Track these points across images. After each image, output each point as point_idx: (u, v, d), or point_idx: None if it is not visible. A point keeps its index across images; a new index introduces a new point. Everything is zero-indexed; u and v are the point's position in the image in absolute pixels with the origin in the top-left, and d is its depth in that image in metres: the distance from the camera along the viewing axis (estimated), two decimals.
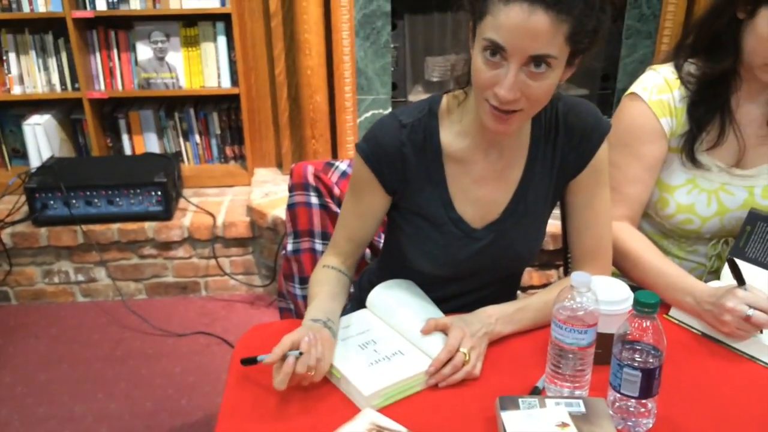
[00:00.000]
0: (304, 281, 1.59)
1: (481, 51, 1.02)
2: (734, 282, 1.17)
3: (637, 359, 0.95)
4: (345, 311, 1.24)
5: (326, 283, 1.24)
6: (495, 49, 1.00)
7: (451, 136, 1.20)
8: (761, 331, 1.15)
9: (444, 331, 1.13)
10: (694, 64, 1.36)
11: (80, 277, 2.75)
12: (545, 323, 1.19)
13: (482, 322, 1.14)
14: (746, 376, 1.10)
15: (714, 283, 1.25)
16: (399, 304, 1.22)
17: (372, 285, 1.32)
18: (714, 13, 1.32)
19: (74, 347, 2.48)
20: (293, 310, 1.65)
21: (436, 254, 1.24)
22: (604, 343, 1.04)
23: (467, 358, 1.07)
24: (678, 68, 1.37)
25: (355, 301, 1.45)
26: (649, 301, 0.93)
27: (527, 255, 1.29)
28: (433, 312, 1.21)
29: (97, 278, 2.76)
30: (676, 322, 1.24)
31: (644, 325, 0.94)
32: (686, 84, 1.36)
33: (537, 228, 1.27)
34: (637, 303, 0.94)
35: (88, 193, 2.62)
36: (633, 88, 1.40)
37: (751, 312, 1.12)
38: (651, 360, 0.94)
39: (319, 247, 1.56)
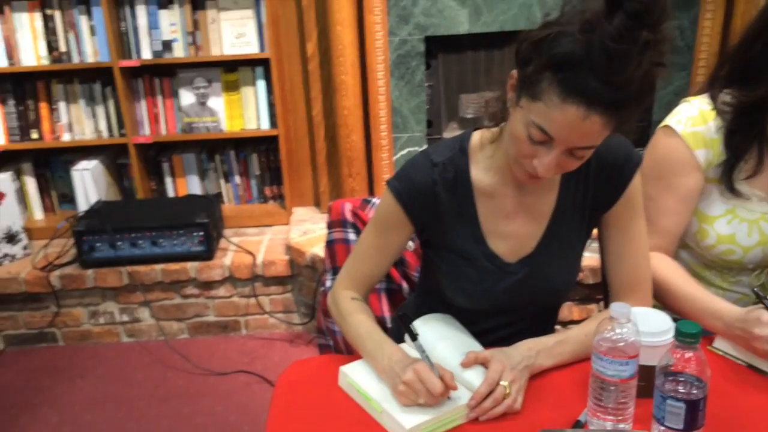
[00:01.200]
0: None
1: (526, 126, 1.02)
2: None
3: (680, 391, 0.93)
4: None
5: (369, 315, 1.25)
6: (541, 134, 1.01)
7: (481, 171, 1.21)
8: None
9: (484, 364, 1.13)
10: (729, 93, 1.36)
11: (125, 318, 2.81)
12: (585, 356, 1.18)
13: (522, 355, 1.14)
14: None
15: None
16: (438, 338, 1.22)
17: (410, 319, 1.32)
18: (747, 41, 1.32)
19: (118, 387, 2.52)
20: (332, 346, 1.66)
21: (471, 290, 1.25)
22: (646, 375, 1.02)
23: (508, 391, 1.07)
24: (713, 99, 1.37)
25: (393, 335, 1.45)
26: (691, 331, 0.92)
27: (563, 288, 1.29)
28: (472, 345, 1.21)
29: (141, 318, 2.81)
30: (721, 353, 1.21)
31: (687, 356, 0.93)
32: (722, 114, 1.35)
33: (572, 261, 1.27)
34: (679, 333, 0.93)
35: (133, 235, 2.69)
36: (667, 121, 1.39)
37: None
38: (695, 391, 0.93)
39: None
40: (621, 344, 0.97)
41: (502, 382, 1.07)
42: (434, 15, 2.72)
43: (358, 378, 1.14)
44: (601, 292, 2.46)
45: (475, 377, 1.11)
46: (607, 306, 1.67)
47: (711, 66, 2.70)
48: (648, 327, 1.05)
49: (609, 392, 0.99)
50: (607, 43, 0.91)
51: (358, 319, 1.23)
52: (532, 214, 1.23)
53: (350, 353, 1.57)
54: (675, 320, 1.08)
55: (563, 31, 0.96)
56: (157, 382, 2.53)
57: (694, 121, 1.36)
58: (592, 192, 1.22)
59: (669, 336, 1.06)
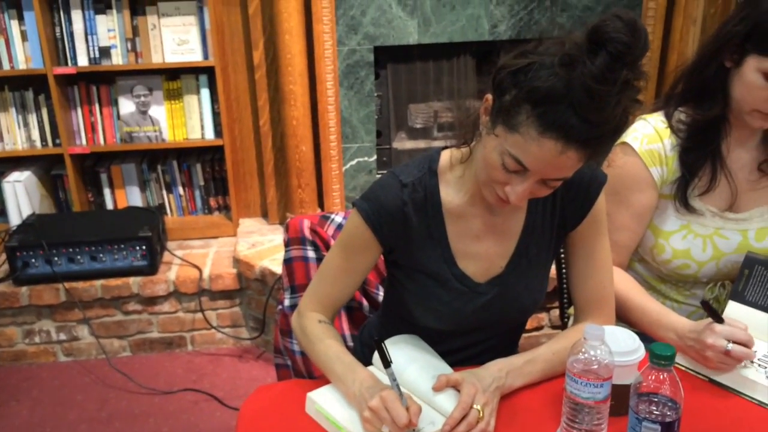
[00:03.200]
0: None
1: (500, 154, 1.02)
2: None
3: (654, 412, 0.94)
4: None
5: (338, 340, 1.22)
6: (515, 164, 1.01)
7: (451, 192, 1.21)
8: (751, 362, 1.17)
9: (455, 386, 1.11)
10: (684, 112, 1.39)
11: (62, 336, 2.68)
12: (554, 374, 1.19)
13: (493, 376, 1.13)
14: (760, 424, 1.10)
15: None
16: (407, 361, 1.20)
17: (377, 339, 1.30)
18: (702, 62, 1.36)
19: (57, 409, 2.40)
20: (290, 367, 1.62)
21: (441, 310, 1.23)
22: (617, 394, 1.03)
23: (481, 414, 1.06)
24: (668, 117, 1.40)
25: (356, 357, 1.42)
26: (666, 353, 0.92)
27: (531, 306, 1.29)
28: (442, 368, 1.20)
29: (80, 336, 2.69)
30: (683, 368, 1.23)
31: (661, 377, 0.94)
32: (677, 132, 1.39)
33: (540, 280, 1.27)
34: (653, 356, 0.93)
35: (70, 249, 2.57)
36: (625, 138, 1.42)
37: (730, 346, 1.14)
38: (669, 413, 0.94)
39: None
40: (595, 366, 0.97)
41: (475, 406, 1.06)
42: (383, 25, 2.71)
43: (326, 405, 1.11)
44: (552, 301, 2.50)
45: (447, 401, 1.09)
46: (562, 317, 1.70)
47: (652, 78, 2.79)
48: (617, 346, 1.06)
49: (583, 414, 0.99)
50: (589, 83, 0.91)
51: (327, 344, 1.20)
52: (502, 235, 1.22)
53: (311, 375, 1.54)
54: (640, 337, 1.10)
55: (542, 64, 0.96)
56: (98, 404, 2.42)
57: (650, 138, 1.40)
58: (560, 211, 1.22)
59: (639, 355, 1.07)
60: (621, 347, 1.06)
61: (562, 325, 1.74)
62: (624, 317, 1.37)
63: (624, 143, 1.41)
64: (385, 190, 1.18)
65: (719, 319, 1.18)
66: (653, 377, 0.94)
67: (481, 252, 1.22)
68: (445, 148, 1.23)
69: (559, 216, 1.23)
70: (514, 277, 1.23)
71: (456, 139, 1.19)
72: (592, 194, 1.21)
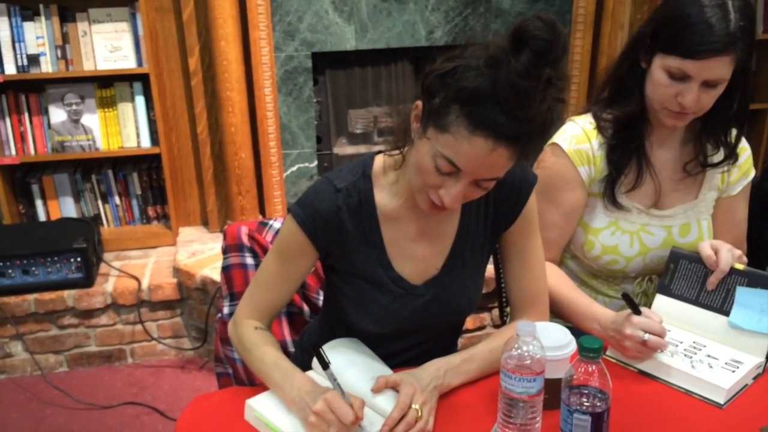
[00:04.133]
0: None
1: (433, 157, 1.03)
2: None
3: (585, 403, 0.97)
4: None
5: (275, 346, 1.22)
6: (449, 165, 1.02)
7: (386, 196, 1.22)
8: (669, 353, 1.23)
9: (394, 387, 1.13)
10: (609, 112, 1.45)
11: None
12: (491, 372, 1.21)
13: (431, 375, 1.15)
14: (684, 411, 1.15)
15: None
16: (346, 364, 1.20)
17: (314, 345, 1.30)
18: (619, 61, 1.43)
19: None
20: (232, 374, 1.60)
21: (378, 314, 1.24)
22: (550, 388, 1.06)
23: (420, 414, 1.07)
24: (596, 117, 1.45)
25: (297, 362, 1.42)
26: (593, 346, 0.96)
27: (467, 307, 1.31)
28: (381, 369, 1.21)
29: (13, 353, 2.60)
30: (614, 360, 1.28)
31: (590, 369, 0.97)
32: (603, 131, 1.44)
33: (475, 281, 1.29)
34: (582, 349, 0.97)
35: (0, 263, 2.48)
36: (554, 139, 1.47)
37: (646, 337, 1.20)
38: (599, 404, 0.97)
39: None
40: (527, 362, 1.00)
41: (413, 405, 1.08)
42: (320, 31, 2.71)
43: (265, 411, 1.11)
44: (493, 301, 2.54)
45: (386, 402, 1.10)
46: (502, 316, 1.73)
47: (583, 82, 2.88)
48: (549, 341, 1.09)
49: (518, 408, 1.02)
50: (514, 79, 0.94)
51: (263, 351, 1.19)
52: (436, 237, 1.24)
53: (252, 383, 1.53)
54: (571, 332, 1.14)
55: (468, 65, 0.99)
56: (34, 422, 2.34)
57: (578, 139, 1.44)
58: (493, 213, 1.25)
59: (570, 349, 1.10)
60: (553, 342, 1.10)
61: (502, 324, 1.77)
62: (555, 311, 1.42)
63: (553, 144, 1.46)
64: (319, 195, 1.19)
65: (637, 311, 1.23)
66: (582, 370, 0.98)
67: (416, 254, 1.24)
68: (379, 152, 1.25)
69: (492, 217, 1.25)
70: (449, 278, 1.25)
71: (390, 145, 1.20)
72: (523, 195, 1.24)
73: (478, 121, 0.97)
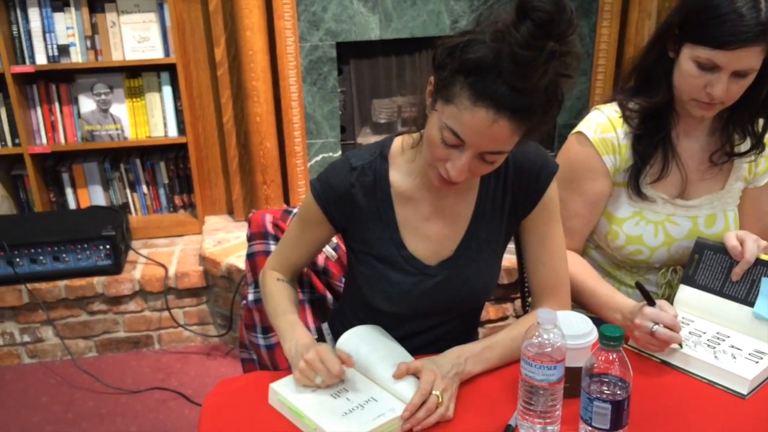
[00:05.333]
0: (266, 330, 1.58)
1: (439, 129, 1.05)
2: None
3: (605, 392, 0.98)
4: None
5: (290, 299, 1.31)
6: (453, 137, 1.04)
7: (400, 175, 1.24)
8: (680, 346, 1.22)
9: (415, 374, 1.14)
10: (635, 102, 1.44)
11: (26, 338, 2.64)
12: (512, 360, 1.22)
13: (452, 362, 1.16)
14: (707, 401, 1.15)
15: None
16: (368, 350, 1.22)
17: (336, 330, 1.32)
18: (646, 51, 1.41)
19: (22, 412, 2.37)
20: (256, 361, 1.63)
21: (391, 292, 1.26)
22: (571, 376, 1.06)
23: (440, 400, 1.08)
24: (621, 106, 1.44)
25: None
26: (614, 334, 0.96)
27: (482, 292, 1.32)
28: (402, 356, 1.22)
29: (44, 338, 2.66)
30: (635, 350, 1.28)
31: (610, 357, 0.97)
32: (629, 120, 1.43)
33: (491, 265, 1.30)
34: (603, 337, 0.97)
35: (32, 250, 2.54)
36: (579, 127, 1.46)
37: (655, 328, 1.19)
38: (619, 392, 0.97)
39: None
40: (548, 349, 1.00)
41: (434, 392, 1.09)
42: (345, 21, 2.72)
43: (289, 395, 1.13)
44: (516, 292, 2.54)
45: (407, 388, 1.12)
46: (524, 306, 1.73)
47: (609, 71, 2.85)
48: (570, 330, 1.10)
49: (538, 396, 1.02)
50: (514, 50, 0.95)
51: (276, 300, 1.30)
52: (451, 218, 1.25)
53: (275, 368, 1.55)
54: (593, 322, 1.14)
55: (476, 39, 1.00)
56: (65, 405, 2.40)
57: (603, 128, 1.44)
58: (510, 198, 1.26)
59: (592, 338, 1.10)
60: (574, 330, 1.10)
61: (523, 311, 1.78)
62: (577, 300, 1.42)
63: (578, 132, 1.45)
64: (335, 172, 1.24)
65: (651, 302, 1.23)
66: (603, 358, 0.98)
67: (430, 234, 1.25)
68: (399, 134, 1.27)
69: (510, 203, 1.26)
70: (463, 260, 1.26)
71: (410, 125, 1.23)
72: (542, 182, 1.24)
73: (480, 91, 0.99)
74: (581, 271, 1.43)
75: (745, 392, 1.15)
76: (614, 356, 0.97)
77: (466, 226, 1.26)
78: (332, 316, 1.50)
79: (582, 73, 2.92)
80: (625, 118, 1.43)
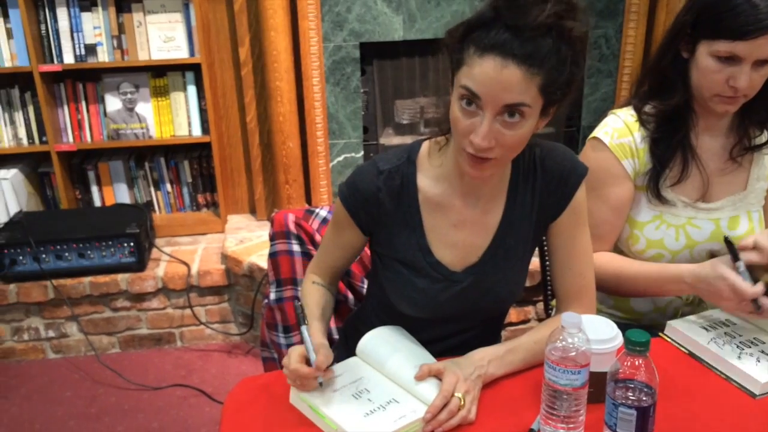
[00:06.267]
0: (288, 330, 1.59)
1: (458, 99, 1.06)
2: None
3: (630, 397, 0.96)
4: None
5: (316, 303, 1.29)
6: (471, 98, 1.04)
7: (429, 181, 1.23)
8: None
9: (437, 376, 1.13)
10: (652, 105, 1.42)
11: (51, 333, 2.68)
12: (535, 363, 1.21)
13: (475, 365, 1.15)
14: (734, 406, 1.13)
15: None
16: (390, 351, 1.22)
17: (358, 331, 1.32)
18: (659, 54, 1.40)
19: (46, 406, 2.40)
20: (277, 360, 1.64)
21: (416, 298, 1.26)
22: (595, 381, 1.05)
23: (462, 402, 1.08)
24: (637, 110, 1.43)
25: (342, 348, 1.44)
26: (641, 339, 0.95)
27: (508, 298, 1.31)
28: (424, 357, 1.22)
29: (69, 333, 2.69)
30: (669, 340, 1.28)
31: (636, 363, 0.96)
32: (646, 124, 1.41)
33: (517, 271, 1.29)
34: (629, 342, 0.96)
35: (58, 247, 2.57)
36: (595, 133, 1.45)
37: (741, 267, 1.23)
38: (645, 398, 0.96)
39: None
40: (572, 353, 0.99)
41: (456, 394, 1.08)
42: (369, 21, 2.72)
43: (310, 394, 1.13)
44: (538, 295, 2.53)
45: (428, 390, 1.11)
46: (547, 309, 1.72)
47: (635, 73, 2.82)
48: (595, 334, 1.08)
49: (561, 401, 1.01)
50: None
51: (305, 303, 1.29)
52: (479, 226, 1.24)
53: None
54: (619, 326, 1.13)
55: (478, 10, 1.06)
56: (87, 400, 2.43)
57: (620, 132, 1.42)
58: (539, 202, 1.24)
59: (617, 343, 1.09)
60: (599, 335, 1.09)
61: (548, 317, 1.76)
62: (628, 290, 1.42)
63: (594, 138, 1.44)
64: (361, 175, 1.24)
65: (736, 257, 1.25)
66: (629, 363, 0.97)
67: (457, 241, 1.24)
68: (427, 139, 1.26)
69: (538, 208, 1.25)
70: (490, 266, 1.25)
71: (435, 127, 1.23)
72: (571, 185, 1.23)
73: (485, 43, 1.01)
74: (622, 261, 1.44)
75: (756, 392, 1.15)
76: (640, 362, 0.96)
77: (494, 234, 1.25)
78: (353, 316, 1.50)
79: (607, 75, 2.89)
80: (642, 122, 1.42)
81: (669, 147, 1.40)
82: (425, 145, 1.26)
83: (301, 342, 1.16)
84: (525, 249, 1.28)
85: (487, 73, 1.01)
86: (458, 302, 1.26)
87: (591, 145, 1.45)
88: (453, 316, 1.30)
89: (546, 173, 1.23)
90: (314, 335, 1.16)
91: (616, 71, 2.88)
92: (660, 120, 1.40)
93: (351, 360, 1.24)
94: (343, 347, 1.45)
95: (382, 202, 1.22)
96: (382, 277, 1.30)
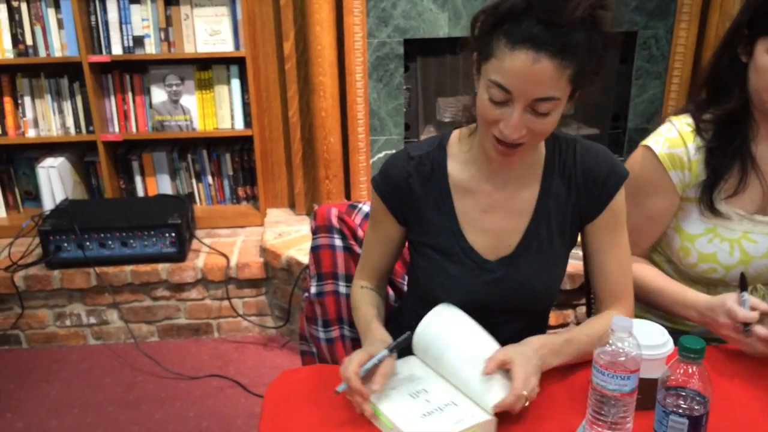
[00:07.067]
0: (327, 324, 1.58)
1: (486, 89, 1.06)
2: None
3: (682, 406, 0.93)
4: None
5: (369, 303, 1.31)
6: (500, 91, 1.03)
7: (458, 166, 1.24)
8: None
9: (503, 366, 1.10)
10: (710, 113, 1.37)
11: (92, 320, 2.73)
12: (586, 357, 1.18)
13: (537, 354, 1.12)
14: None
15: None
16: (447, 345, 1.17)
17: (399, 326, 1.31)
18: (715, 59, 1.36)
19: (86, 391, 2.44)
20: (315, 354, 1.63)
21: (447, 284, 1.25)
22: (644, 388, 1.02)
23: (527, 404, 1.06)
24: (695, 118, 1.37)
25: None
26: (695, 346, 0.92)
27: (544, 292, 1.29)
28: (483, 342, 1.17)
29: (109, 320, 2.74)
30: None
31: (690, 370, 0.93)
32: (703, 133, 1.36)
33: (552, 265, 1.27)
34: (683, 349, 0.93)
35: (101, 235, 2.62)
36: (647, 141, 1.40)
37: (745, 297, 1.19)
38: (697, 407, 0.93)
39: (343, 289, 1.55)
40: (622, 358, 0.96)
41: (524, 392, 1.05)
42: (414, 18, 2.71)
43: (373, 397, 1.10)
44: (579, 298, 2.48)
45: (490, 391, 1.07)
46: (588, 314, 1.68)
47: (686, 75, 2.76)
48: (645, 340, 1.05)
49: (609, 406, 0.98)
50: None
51: (362, 311, 1.29)
52: (510, 211, 1.24)
53: (334, 362, 1.55)
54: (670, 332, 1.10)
55: None
56: (126, 387, 2.47)
57: (672, 142, 1.37)
58: (575, 200, 1.23)
59: (667, 349, 1.06)
60: (649, 340, 1.06)
61: (587, 317, 1.73)
62: (646, 300, 1.39)
63: (645, 146, 1.39)
64: (393, 162, 1.26)
65: (744, 287, 1.22)
66: (682, 371, 0.94)
67: (489, 227, 1.24)
68: (458, 127, 1.27)
69: (575, 204, 1.23)
70: (524, 258, 1.24)
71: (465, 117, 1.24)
72: (609, 187, 1.21)
73: (517, 36, 1.00)
74: (649, 272, 1.41)
75: None
76: (694, 369, 0.93)
77: (527, 223, 1.24)
78: (394, 312, 1.49)
79: (656, 76, 2.83)
80: (699, 130, 1.36)
81: (726, 156, 1.35)
82: (456, 133, 1.27)
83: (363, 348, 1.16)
84: (561, 244, 1.26)
85: (519, 67, 1.00)
86: (491, 292, 1.25)
87: (640, 152, 1.41)
88: (488, 307, 1.27)
89: (585, 171, 1.22)
90: (376, 331, 1.20)
91: (665, 73, 2.82)
92: (717, 128, 1.35)
93: (410, 358, 1.22)
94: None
95: (413, 188, 1.24)
96: (415, 266, 1.32)
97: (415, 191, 1.24)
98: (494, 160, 1.14)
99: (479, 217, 1.24)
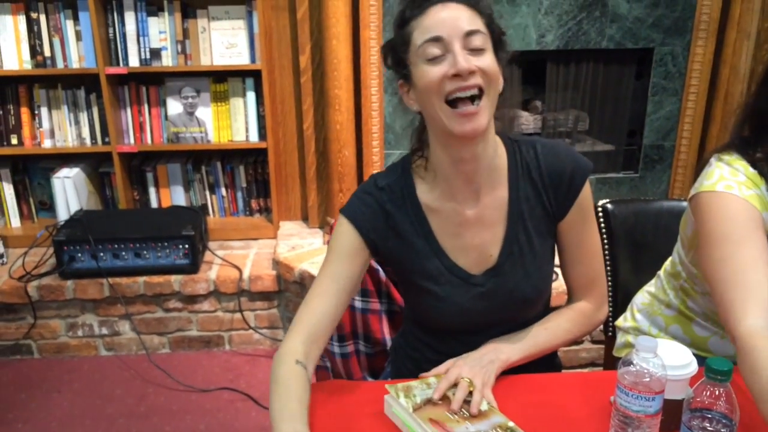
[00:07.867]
0: (342, 339, 1.57)
1: (424, 60, 1.10)
2: None
3: (708, 428, 0.92)
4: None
5: (298, 388, 1.12)
6: (435, 46, 1.09)
7: (425, 187, 1.24)
8: None
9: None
10: (761, 151, 1.26)
11: (104, 331, 2.73)
12: (550, 349, 1.28)
13: (481, 352, 1.20)
14: None
15: None
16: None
17: (403, 349, 1.38)
18: (757, 94, 1.28)
19: (97, 402, 2.44)
20: (329, 368, 1.62)
21: (441, 307, 1.25)
22: (668, 409, 1.00)
23: (471, 388, 1.10)
24: (747, 157, 1.27)
25: (392, 364, 1.46)
26: (723, 368, 0.90)
27: (534, 295, 1.28)
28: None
29: (121, 331, 2.74)
30: None
31: (717, 392, 0.91)
32: (763, 171, 1.24)
33: (538, 267, 1.26)
34: (709, 370, 0.91)
35: (115, 246, 2.62)
36: (717, 187, 1.24)
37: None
38: (723, 430, 0.91)
39: (358, 304, 1.54)
40: (647, 379, 0.95)
41: (463, 378, 1.12)
42: None
43: (402, 410, 1.08)
44: None
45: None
46: (606, 325, 1.68)
47: (702, 92, 2.74)
48: (669, 360, 1.03)
49: (633, 427, 0.97)
50: None
51: (284, 395, 1.11)
52: (485, 222, 1.24)
53: (349, 377, 1.54)
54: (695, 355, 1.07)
55: None
56: (137, 398, 2.46)
57: (747, 185, 1.24)
58: (545, 198, 1.24)
59: (691, 369, 1.04)
60: (673, 361, 1.04)
61: (605, 335, 1.71)
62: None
63: (722, 193, 1.23)
64: (364, 192, 1.25)
65: None
66: (708, 393, 0.92)
67: (467, 243, 1.24)
68: (415, 151, 1.27)
69: (545, 204, 1.24)
70: (508, 266, 1.24)
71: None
72: (576, 183, 1.23)
73: (423, 5, 1.11)
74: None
75: None
76: (720, 391, 0.91)
77: (503, 231, 1.24)
78: (398, 335, 1.49)
79: (672, 93, 2.82)
80: (759, 172, 1.24)
81: None
82: (415, 156, 1.27)
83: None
84: (542, 244, 1.26)
85: (438, 15, 1.09)
86: (484, 306, 1.25)
87: (717, 198, 1.23)
88: (484, 323, 1.27)
89: (549, 170, 1.23)
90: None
91: (681, 90, 2.80)
92: None
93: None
94: (393, 359, 1.44)
95: (389, 213, 1.23)
96: (405, 300, 1.35)
97: (392, 216, 1.23)
98: (462, 132, 1.10)
99: (456, 233, 1.24)
